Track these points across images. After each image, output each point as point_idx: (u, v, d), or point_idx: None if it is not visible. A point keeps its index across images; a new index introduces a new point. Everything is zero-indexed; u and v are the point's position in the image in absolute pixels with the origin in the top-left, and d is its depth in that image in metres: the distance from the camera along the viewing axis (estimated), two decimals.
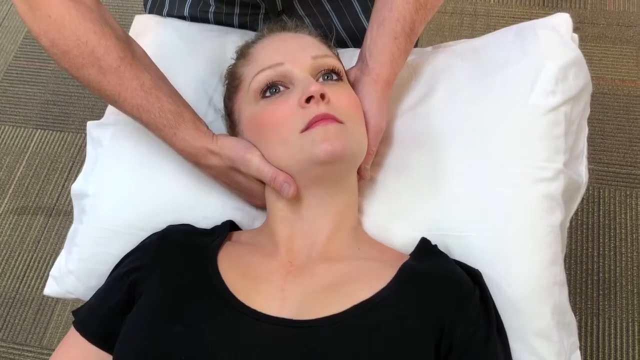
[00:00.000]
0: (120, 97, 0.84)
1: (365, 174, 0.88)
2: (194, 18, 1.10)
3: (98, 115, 1.02)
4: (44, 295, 1.64)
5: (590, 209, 1.65)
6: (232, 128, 0.90)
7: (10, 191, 1.83)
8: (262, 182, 0.86)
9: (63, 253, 0.98)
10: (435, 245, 0.85)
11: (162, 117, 0.84)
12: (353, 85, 0.89)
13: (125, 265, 0.87)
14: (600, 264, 1.58)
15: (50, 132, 1.92)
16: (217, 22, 1.10)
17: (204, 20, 1.10)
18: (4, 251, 1.74)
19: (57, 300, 1.64)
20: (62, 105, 1.97)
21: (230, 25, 1.10)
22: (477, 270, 0.82)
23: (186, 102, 0.88)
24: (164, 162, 0.93)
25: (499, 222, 0.84)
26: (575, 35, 0.95)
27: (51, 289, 0.98)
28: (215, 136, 0.86)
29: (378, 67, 0.87)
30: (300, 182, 0.81)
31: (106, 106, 1.02)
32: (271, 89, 0.83)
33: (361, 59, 0.91)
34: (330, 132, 0.77)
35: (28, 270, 1.70)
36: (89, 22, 0.82)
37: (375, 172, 0.91)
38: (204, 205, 0.93)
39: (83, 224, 0.94)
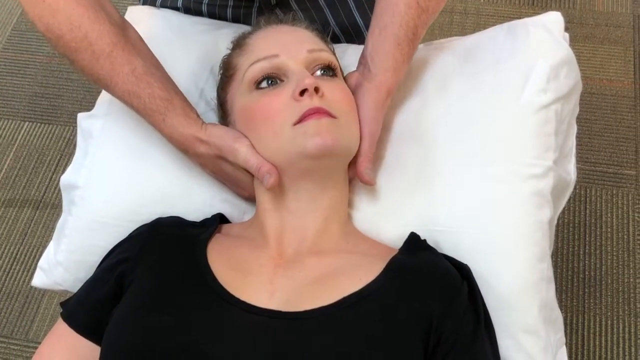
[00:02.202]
0: (112, 82, 0.84)
1: (369, 179, 0.84)
2: (187, 10, 1.10)
3: (87, 108, 1.02)
4: (30, 288, 1.63)
5: (577, 208, 1.66)
6: (224, 118, 0.90)
7: None
8: (250, 173, 0.85)
9: (52, 244, 0.97)
10: (425, 240, 0.85)
11: (152, 103, 0.84)
12: (354, 90, 0.87)
13: (114, 256, 0.87)
14: (586, 262, 1.59)
15: (38, 124, 1.91)
16: (211, 14, 1.10)
17: (198, 12, 1.10)
18: None
19: (43, 293, 1.63)
20: (51, 97, 1.96)
21: (224, 17, 1.10)
22: (465, 265, 0.82)
23: (178, 90, 0.88)
24: (155, 154, 0.93)
25: (488, 218, 0.85)
26: (567, 34, 0.95)
27: (39, 280, 0.98)
28: (204, 124, 0.86)
29: (381, 73, 0.86)
30: (289, 175, 0.81)
31: (95, 99, 1.02)
32: (265, 80, 0.82)
33: (363, 63, 0.89)
34: (323, 126, 0.77)
35: (15, 263, 1.69)
36: (82, 7, 0.82)
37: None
38: (193, 197, 0.93)
39: (72, 215, 0.94)
